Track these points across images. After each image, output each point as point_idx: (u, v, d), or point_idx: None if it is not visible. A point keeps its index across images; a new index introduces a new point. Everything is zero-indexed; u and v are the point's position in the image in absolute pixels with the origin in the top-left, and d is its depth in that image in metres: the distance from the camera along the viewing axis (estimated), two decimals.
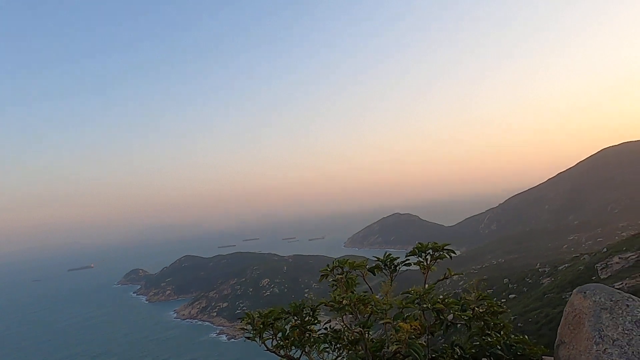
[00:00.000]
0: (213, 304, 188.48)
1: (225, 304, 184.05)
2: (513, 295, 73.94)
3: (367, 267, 6.30)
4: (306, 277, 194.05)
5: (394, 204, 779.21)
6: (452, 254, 6.17)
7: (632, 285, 49.73)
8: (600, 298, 4.71)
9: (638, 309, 4.45)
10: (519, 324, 55.32)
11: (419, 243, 6.03)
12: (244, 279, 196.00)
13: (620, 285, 52.21)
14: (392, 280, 6.08)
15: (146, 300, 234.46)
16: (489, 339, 5.17)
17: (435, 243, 5.84)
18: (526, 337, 5.21)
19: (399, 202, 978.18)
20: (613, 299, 4.66)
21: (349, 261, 6.06)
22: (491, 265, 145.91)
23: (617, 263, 58.59)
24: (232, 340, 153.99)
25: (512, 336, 5.27)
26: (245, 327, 5.72)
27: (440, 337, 5.58)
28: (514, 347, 5.00)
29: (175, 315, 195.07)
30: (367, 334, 5.39)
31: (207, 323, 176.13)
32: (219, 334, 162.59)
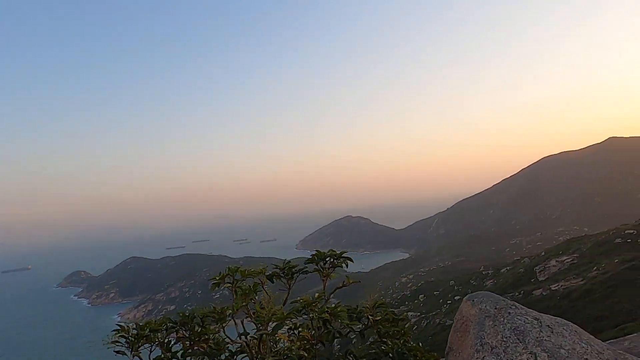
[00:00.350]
0: (160, 306, 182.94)
1: (172, 307, 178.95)
2: (458, 297, 76.20)
3: (266, 274, 6.05)
4: None
5: (346, 207, 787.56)
6: (350, 262, 6.06)
7: (566, 286, 52.43)
8: (486, 306, 4.80)
9: (518, 317, 4.53)
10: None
11: (317, 251, 5.94)
12: (192, 281, 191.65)
13: (556, 287, 54.97)
14: (290, 288, 5.84)
15: (88, 304, 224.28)
16: (384, 347, 5.14)
17: (334, 251, 5.66)
18: (420, 344, 5.25)
19: (351, 205, 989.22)
20: (497, 306, 4.74)
21: (240, 269, 5.76)
22: (438, 268, 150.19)
23: (554, 266, 61.71)
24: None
25: (412, 344, 5.24)
26: (118, 340, 5.24)
27: (338, 345, 5.43)
28: (406, 355, 4.99)
29: (119, 319, 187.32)
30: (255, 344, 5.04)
31: None
32: None
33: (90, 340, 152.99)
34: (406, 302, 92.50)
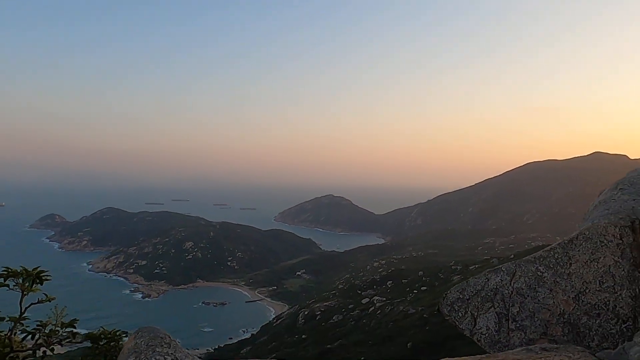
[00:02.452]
0: (131, 260, 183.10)
1: (144, 262, 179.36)
2: (425, 288, 77.99)
3: None
4: (231, 246, 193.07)
5: (330, 185, 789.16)
6: (48, 279, 5.66)
7: None
8: (141, 341, 4.87)
9: (163, 356, 4.64)
10: (424, 315, 58.60)
11: (8, 268, 5.38)
12: (167, 239, 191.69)
13: None
14: None
15: (59, 248, 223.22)
16: None
17: (26, 269, 5.36)
18: None
19: (335, 183, 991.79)
20: (150, 343, 4.81)
21: None
22: (411, 257, 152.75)
23: None
24: (147, 299, 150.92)
25: None
26: None
27: None
28: None
29: (89, 267, 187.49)
30: None
31: (122, 279, 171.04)
32: (133, 291, 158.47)
33: (63, 289, 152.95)
34: (374, 287, 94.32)
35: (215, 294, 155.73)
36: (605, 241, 5.99)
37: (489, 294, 6.34)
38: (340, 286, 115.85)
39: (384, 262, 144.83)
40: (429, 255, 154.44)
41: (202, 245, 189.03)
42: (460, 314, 6.47)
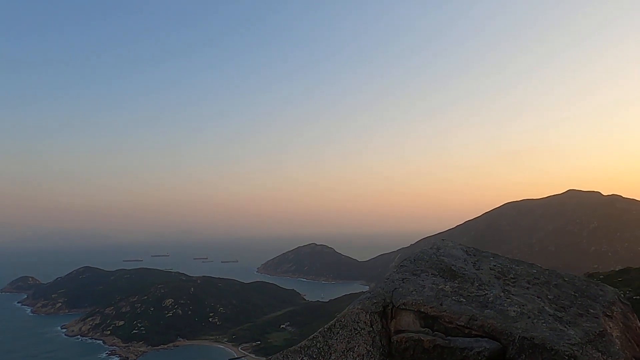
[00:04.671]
0: (108, 321, 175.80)
1: (121, 322, 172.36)
2: None
3: None
4: (212, 301, 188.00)
5: (311, 234, 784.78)
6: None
7: None
8: None
9: None
10: None
11: None
12: (145, 297, 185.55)
13: None
14: None
15: (31, 312, 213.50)
16: None
17: None
18: None
19: (316, 232, 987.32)
20: None
21: None
22: None
23: None
24: None
25: None
26: None
27: None
28: None
29: (63, 330, 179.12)
30: None
31: (98, 342, 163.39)
32: (109, 354, 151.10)
33: (35, 356, 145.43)
34: None
35: (197, 353, 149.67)
36: (358, 328, 5.66)
37: None
38: None
39: None
40: None
41: (182, 301, 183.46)
42: None
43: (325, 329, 5.83)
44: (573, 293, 6.03)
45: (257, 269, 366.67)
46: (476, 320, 5.22)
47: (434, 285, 5.86)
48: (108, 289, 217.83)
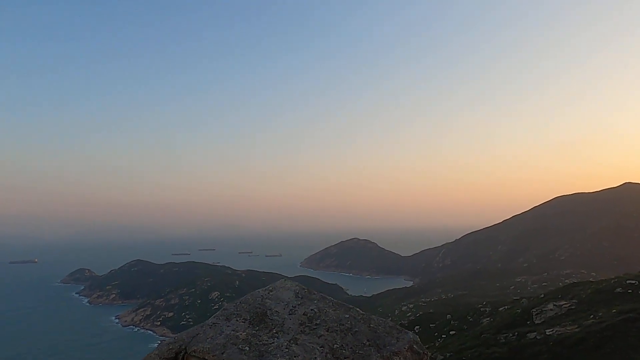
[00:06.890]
0: (158, 312, 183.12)
1: (170, 314, 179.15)
2: (453, 332, 75.39)
3: None
4: None
5: (354, 228, 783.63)
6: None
7: (561, 332, 51.72)
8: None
9: None
10: None
11: None
12: (193, 290, 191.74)
13: (551, 332, 54.23)
14: None
15: (88, 302, 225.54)
16: None
17: None
18: None
19: (359, 226, 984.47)
20: None
21: None
22: (440, 300, 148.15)
23: (551, 310, 60.79)
24: None
25: None
26: None
27: None
28: None
29: (116, 321, 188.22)
30: None
31: (149, 332, 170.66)
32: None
33: (91, 343, 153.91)
34: None
35: None
36: None
37: None
38: None
39: (412, 305, 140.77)
40: (459, 296, 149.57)
41: (227, 294, 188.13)
42: None
43: None
44: (366, 341, 5.98)
45: (301, 263, 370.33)
46: None
47: (232, 332, 5.94)
48: (158, 282, 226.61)
